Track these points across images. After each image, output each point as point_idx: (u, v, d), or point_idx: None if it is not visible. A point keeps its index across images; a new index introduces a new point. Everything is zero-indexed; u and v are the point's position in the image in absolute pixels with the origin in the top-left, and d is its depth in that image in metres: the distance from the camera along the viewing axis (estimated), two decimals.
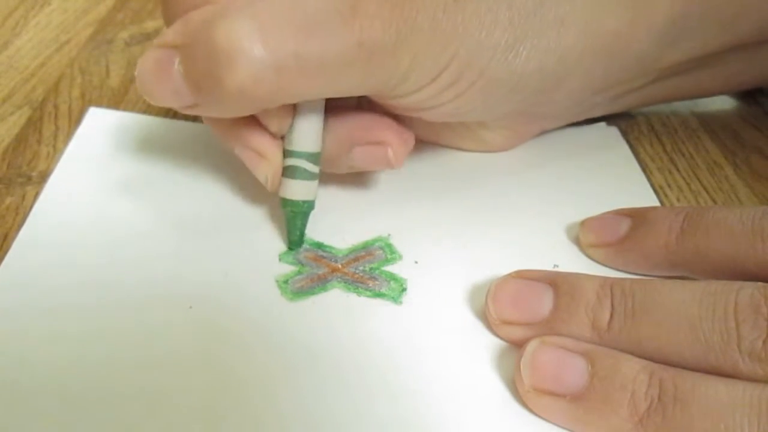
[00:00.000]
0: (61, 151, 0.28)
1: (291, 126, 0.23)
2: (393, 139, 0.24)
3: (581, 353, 0.20)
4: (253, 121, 0.23)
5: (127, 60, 0.35)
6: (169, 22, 0.23)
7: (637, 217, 0.24)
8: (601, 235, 0.25)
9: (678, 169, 0.31)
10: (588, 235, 0.25)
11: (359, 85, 0.22)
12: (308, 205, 0.24)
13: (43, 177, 0.27)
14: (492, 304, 0.22)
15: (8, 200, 0.26)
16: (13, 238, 0.24)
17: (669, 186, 0.30)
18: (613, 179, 0.29)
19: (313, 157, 0.24)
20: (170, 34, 0.21)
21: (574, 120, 0.31)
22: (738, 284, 0.20)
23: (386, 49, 0.21)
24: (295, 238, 0.25)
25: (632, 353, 0.20)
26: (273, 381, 0.20)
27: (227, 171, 0.28)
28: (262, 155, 0.24)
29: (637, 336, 0.20)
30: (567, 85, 0.26)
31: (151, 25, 0.38)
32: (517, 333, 0.21)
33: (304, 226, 0.25)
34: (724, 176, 0.31)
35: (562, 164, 0.30)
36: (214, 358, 0.21)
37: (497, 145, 0.30)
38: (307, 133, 0.24)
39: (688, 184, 0.30)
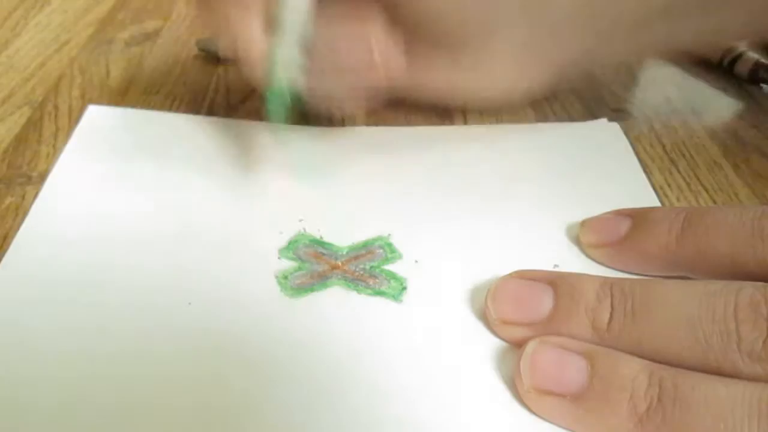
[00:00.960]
0: (61, 150, 0.28)
1: (279, 13, 0.23)
2: (377, 32, 0.24)
3: (581, 353, 0.20)
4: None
5: (127, 60, 0.35)
6: None
7: (637, 217, 0.24)
8: (601, 235, 0.25)
9: (678, 169, 0.31)
10: (588, 235, 0.25)
11: None
12: (290, 82, 0.24)
13: (43, 177, 0.27)
14: (492, 304, 0.22)
15: (8, 200, 0.26)
16: (13, 238, 0.24)
17: (669, 186, 0.30)
18: (614, 177, 0.29)
19: (302, 41, 0.24)
20: None
21: (587, 65, 0.30)
22: (738, 284, 0.20)
23: None
24: (275, 117, 0.24)
25: (632, 353, 0.20)
26: (272, 378, 0.20)
27: (227, 167, 0.28)
28: (246, 33, 0.23)
29: (637, 336, 0.20)
30: None
31: (151, 25, 0.38)
32: (518, 333, 0.21)
33: (286, 108, 0.24)
34: (724, 176, 0.31)
35: (562, 162, 0.30)
36: (213, 355, 0.21)
37: (503, 83, 0.29)
38: (293, 18, 0.23)
39: (688, 184, 0.30)
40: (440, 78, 0.29)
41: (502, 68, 0.29)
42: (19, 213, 0.25)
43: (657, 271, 0.24)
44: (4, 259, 0.23)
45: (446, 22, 0.26)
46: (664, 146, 0.32)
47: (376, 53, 0.24)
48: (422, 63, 0.27)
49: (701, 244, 0.22)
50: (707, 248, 0.22)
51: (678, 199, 0.29)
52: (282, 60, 0.23)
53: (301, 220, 0.26)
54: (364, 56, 0.24)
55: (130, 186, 0.27)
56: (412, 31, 0.25)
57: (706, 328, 0.19)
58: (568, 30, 0.29)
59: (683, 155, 0.32)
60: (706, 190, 0.30)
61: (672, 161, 0.31)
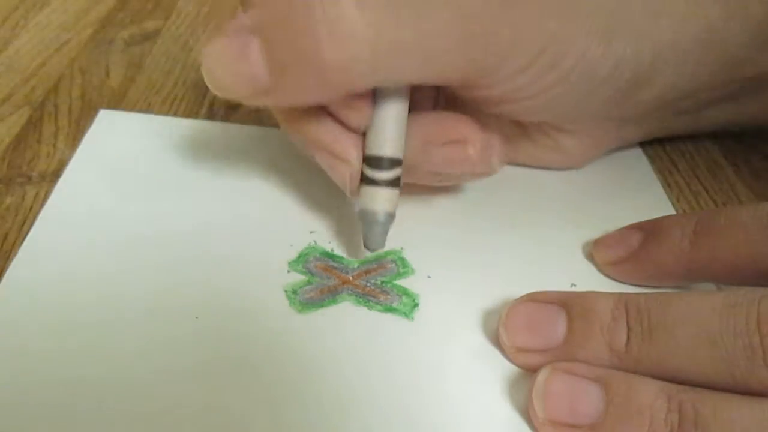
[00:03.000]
0: (63, 153, 0.28)
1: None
2: (473, 135, 0.23)
3: (595, 379, 0.19)
4: (329, 116, 0.22)
5: (127, 60, 0.35)
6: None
7: (648, 228, 0.24)
8: (614, 251, 0.24)
9: (678, 169, 0.31)
10: (601, 253, 0.25)
11: (456, 65, 0.20)
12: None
13: (43, 177, 0.27)
14: (505, 332, 0.21)
15: (8, 200, 0.26)
16: (13, 238, 0.24)
17: (669, 186, 0.30)
18: (632, 194, 0.29)
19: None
20: (246, 19, 0.20)
21: (657, 135, 0.31)
22: (759, 293, 0.18)
23: (487, 22, 0.20)
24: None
25: (653, 373, 0.19)
26: (279, 394, 0.20)
27: (237, 175, 0.27)
28: (339, 156, 0.22)
29: (656, 356, 0.19)
30: (657, 81, 0.25)
31: (151, 25, 0.38)
32: (533, 360, 0.21)
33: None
34: (724, 176, 0.31)
35: (580, 180, 0.29)
36: (221, 370, 0.20)
37: (575, 155, 0.29)
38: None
39: (688, 184, 0.30)
40: (518, 155, 0.29)
41: (581, 148, 0.29)
42: (19, 213, 0.25)
43: (675, 281, 0.23)
44: (11, 266, 0.23)
45: (539, 117, 0.26)
46: (664, 146, 0.32)
47: (471, 152, 0.23)
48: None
49: (716, 246, 0.22)
50: (723, 250, 0.22)
51: (678, 200, 0.29)
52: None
53: (312, 233, 0.25)
54: (462, 162, 0.23)
55: (140, 194, 0.26)
56: (499, 123, 0.25)
57: (729, 343, 0.18)
58: (653, 117, 0.29)
59: (683, 155, 0.32)
60: (706, 190, 0.30)
61: (672, 161, 0.31)
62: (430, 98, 0.24)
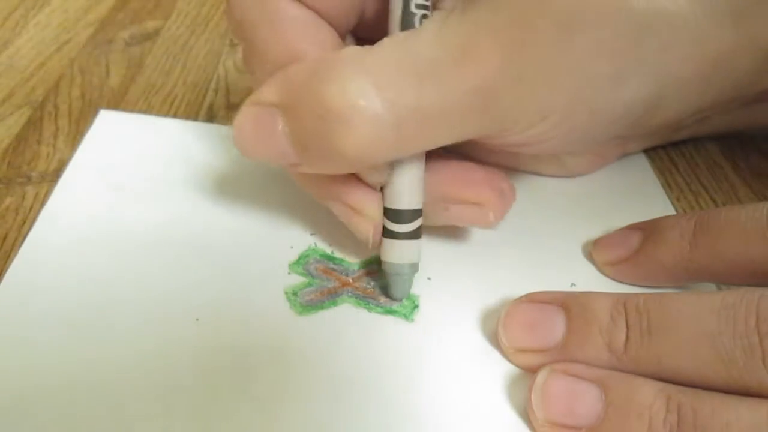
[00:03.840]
0: (63, 153, 0.28)
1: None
2: (492, 198, 0.23)
3: (594, 380, 0.19)
4: (349, 173, 0.22)
5: (127, 60, 0.35)
6: (254, 72, 0.22)
7: (648, 228, 0.24)
8: (614, 251, 0.24)
9: (678, 169, 0.31)
10: (601, 253, 0.25)
11: (473, 131, 0.21)
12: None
13: (43, 177, 0.27)
14: (504, 333, 0.21)
15: (8, 200, 0.26)
16: (13, 238, 0.24)
17: (669, 186, 0.30)
18: (632, 194, 0.29)
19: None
20: (269, 92, 0.20)
21: (659, 143, 0.31)
22: (758, 293, 0.18)
23: (501, 92, 0.20)
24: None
25: (652, 373, 0.19)
26: (280, 397, 0.20)
27: (238, 176, 0.27)
28: (361, 211, 0.22)
29: (655, 356, 0.19)
30: (665, 110, 0.25)
31: (151, 25, 0.38)
32: (532, 360, 0.21)
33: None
34: (724, 176, 0.31)
35: (580, 181, 0.29)
36: (221, 372, 0.20)
37: (580, 170, 0.29)
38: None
39: (688, 184, 0.30)
40: (520, 166, 0.29)
41: (585, 164, 0.29)
42: (19, 213, 0.25)
43: (674, 281, 0.23)
44: (11, 266, 0.23)
45: (548, 152, 0.26)
46: (664, 146, 0.32)
47: (491, 218, 0.23)
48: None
49: (716, 245, 0.22)
50: (722, 249, 0.22)
51: (678, 199, 0.29)
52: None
53: (312, 235, 0.25)
54: (478, 222, 0.23)
55: (140, 195, 0.26)
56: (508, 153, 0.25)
57: (728, 343, 0.18)
58: (656, 134, 0.29)
59: (683, 155, 0.32)
60: (706, 190, 0.30)
61: (672, 161, 0.31)
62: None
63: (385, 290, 0.23)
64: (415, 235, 0.22)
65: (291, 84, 0.20)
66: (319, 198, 0.24)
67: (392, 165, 0.22)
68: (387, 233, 0.22)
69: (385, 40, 0.20)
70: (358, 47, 0.20)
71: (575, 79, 0.21)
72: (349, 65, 0.19)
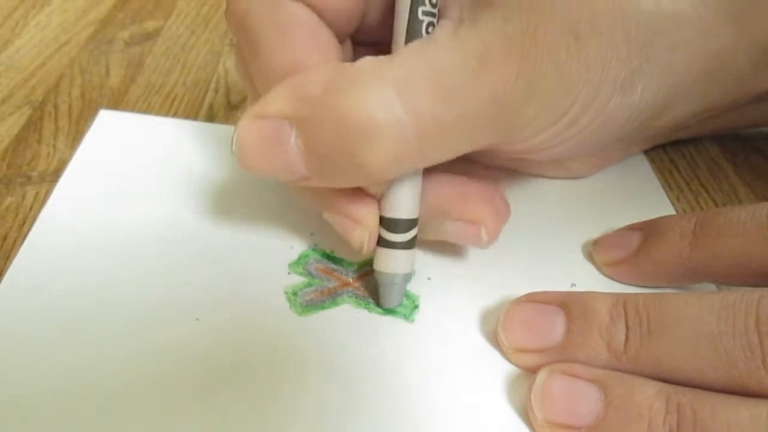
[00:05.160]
0: (63, 153, 0.28)
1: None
2: (488, 216, 0.22)
3: (593, 381, 0.19)
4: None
5: (127, 60, 0.35)
6: (251, 77, 0.22)
7: (647, 228, 0.24)
8: (614, 251, 0.24)
9: (678, 169, 0.31)
10: (601, 253, 0.25)
11: (488, 139, 0.21)
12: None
13: (43, 177, 0.27)
14: (503, 332, 0.21)
15: (8, 200, 0.26)
16: (13, 238, 0.24)
17: (669, 186, 0.30)
18: (633, 197, 0.29)
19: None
20: (277, 104, 0.19)
21: (661, 142, 0.31)
22: (758, 293, 0.18)
23: (517, 100, 0.20)
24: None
25: (652, 373, 0.19)
26: (279, 396, 0.20)
27: (238, 176, 0.27)
28: (359, 221, 0.22)
29: (655, 356, 0.19)
30: (672, 111, 0.25)
31: (151, 24, 0.38)
32: (532, 360, 0.21)
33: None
34: (724, 176, 0.31)
35: (580, 181, 0.29)
36: (221, 371, 0.20)
37: (582, 172, 0.29)
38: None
39: (688, 184, 0.30)
40: (521, 168, 0.29)
41: (588, 167, 0.29)
42: (19, 213, 0.25)
43: (674, 281, 0.23)
44: (11, 266, 0.23)
45: (553, 158, 0.25)
46: (664, 146, 0.32)
47: (484, 236, 0.22)
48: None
49: (715, 246, 0.22)
50: (722, 249, 0.22)
51: (678, 199, 0.29)
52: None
53: (312, 234, 0.25)
54: (471, 240, 0.23)
55: (140, 195, 0.26)
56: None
57: (728, 343, 0.18)
58: (659, 136, 0.29)
59: (683, 155, 0.32)
60: (706, 190, 0.30)
61: (672, 161, 0.31)
62: None
63: (377, 299, 0.23)
64: (409, 245, 0.22)
65: (306, 96, 0.19)
66: (314, 207, 0.23)
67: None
68: (382, 242, 0.22)
69: (403, 50, 0.20)
70: (374, 57, 0.19)
71: (588, 84, 0.21)
72: (371, 77, 0.18)
